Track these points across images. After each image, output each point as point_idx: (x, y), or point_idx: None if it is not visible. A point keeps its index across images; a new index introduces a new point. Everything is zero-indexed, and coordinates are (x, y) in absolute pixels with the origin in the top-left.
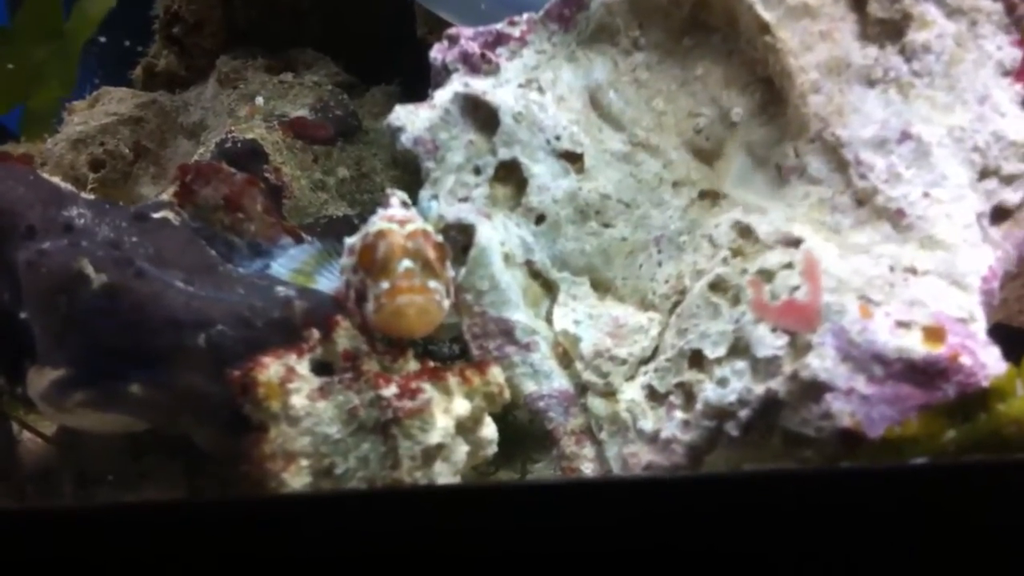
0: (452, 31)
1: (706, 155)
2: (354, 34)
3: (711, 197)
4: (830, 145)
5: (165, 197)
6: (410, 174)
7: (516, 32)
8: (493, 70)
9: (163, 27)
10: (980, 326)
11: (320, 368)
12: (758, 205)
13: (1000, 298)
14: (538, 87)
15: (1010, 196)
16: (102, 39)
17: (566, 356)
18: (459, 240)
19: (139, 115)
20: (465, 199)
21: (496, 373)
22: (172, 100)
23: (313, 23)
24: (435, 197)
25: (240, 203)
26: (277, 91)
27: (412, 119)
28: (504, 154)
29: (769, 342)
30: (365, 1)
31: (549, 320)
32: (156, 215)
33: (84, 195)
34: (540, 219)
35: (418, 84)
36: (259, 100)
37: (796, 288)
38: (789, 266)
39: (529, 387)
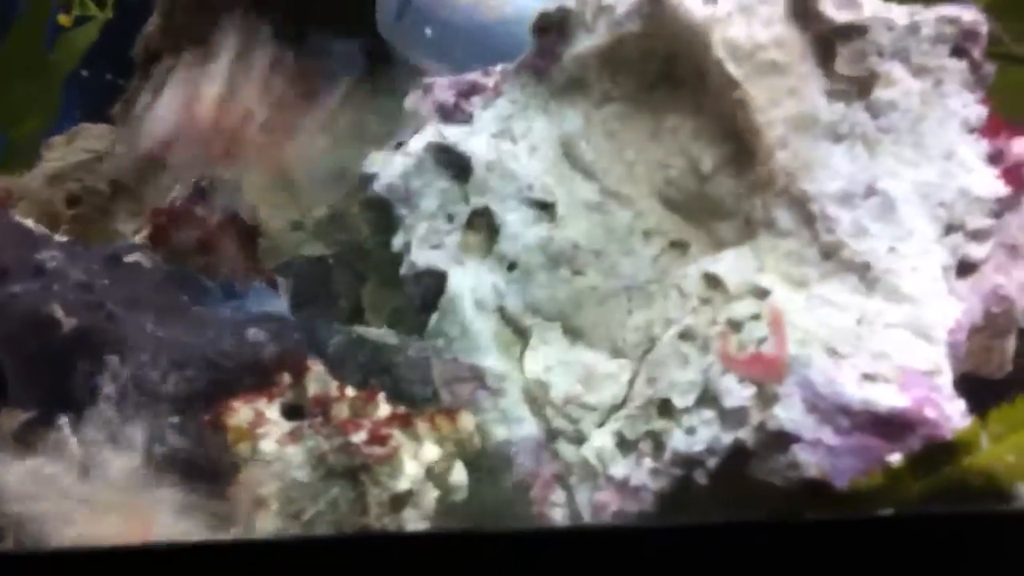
0: (427, 80)
1: (676, 205)
2: None
3: (681, 247)
4: (797, 199)
5: (138, 239)
6: (384, 219)
7: (490, 82)
8: (467, 119)
9: (141, 64)
10: (946, 378)
11: (290, 412)
12: (727, 256)
13: (967, 349)
14: (511, 137)
15: (975, 250)
16: (84, 72)
17: (537, 402)
18: (431, 286)
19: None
20: (437, 246)
21: (466, 419)
22: None
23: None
24: (408, 244)
25: (214, 246)
26: None
27: (385, 166)
28: (477, 202)
29: (737, 392)
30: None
31: (521, 364)
32: (129, 258)
33: (57, 237)
34: (512, 266)
35: None
36: None
37: (763, 340)
38: (757, 317)
39: (500, 432)
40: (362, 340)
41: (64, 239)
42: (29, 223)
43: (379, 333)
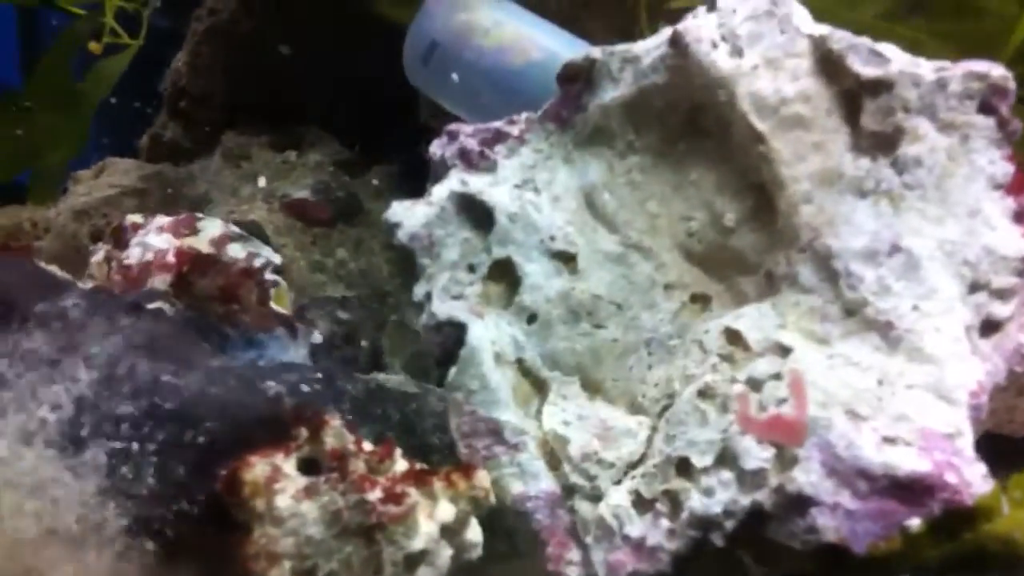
0: (452, 127)
1: (698, 258)
2: (358, 113)
3: (702, 301)
4: (821, 255)
5: (160, 286)
6: (407, 266)
7: (515, 131)
8: (491, 167)
9: (169, 100)
10: (967, 441)
11: (307, 466)
12: (749, 312)
13: (989, 409)
14: (534, 187)
15: (1000, 309)
16: (112, 100)
17: (554, 456)
18: (451, 338)
19: (143, 187)
20: (458, 296)
21: (482, 477)
22: (177, 172)
23: (318, 100)
24: (428, 294)
25: (235, 295)
26: (279, 171)
27: (409, 215)
28: (498, 253)
29: (756, 454)
30: (370, 82)
31: (539, 418)
32: (151, 305)
33: (80, 284)
34: (532, 318)
35: (419, 165)
36: (262, 181)
37: (783, 400)
38: (777, 376)
39: (516, 488)
40: (381, 389)
41: (88, 285)
42: (53, 269)
43: (398, 381)
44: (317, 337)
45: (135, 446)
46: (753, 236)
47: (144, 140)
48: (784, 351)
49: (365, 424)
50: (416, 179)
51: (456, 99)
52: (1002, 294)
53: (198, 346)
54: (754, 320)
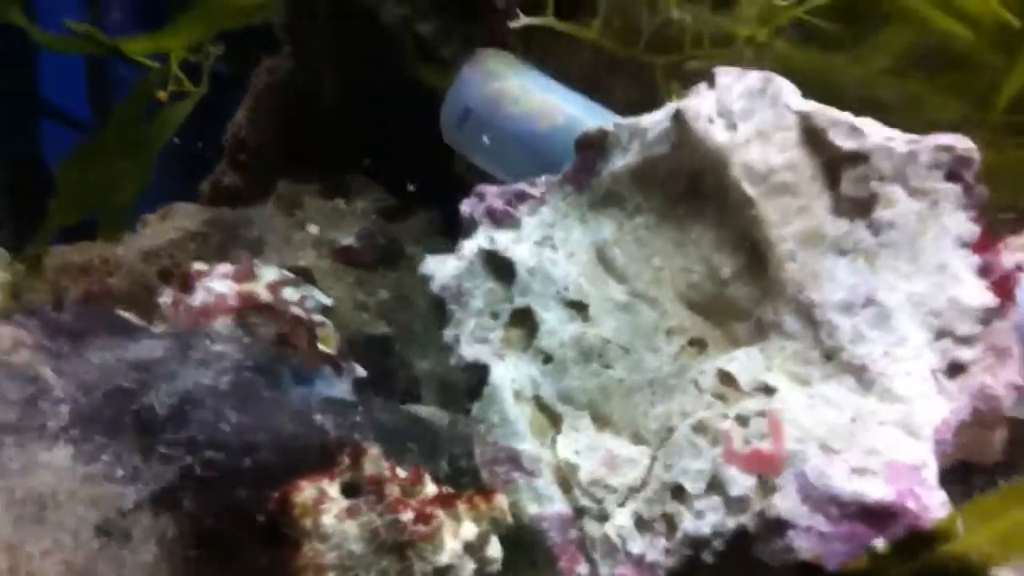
0: (480, 188)
1: (697, 307)
2: (402, 163)
3: (700, 344)
4: (804, 307)
5: (223, 327)
6: (439, 311)
7: (536, 192)
8: (514, 224)
9: (230, 151)
10: (931, 472)
11: (349, 490)
12: (740, 355)
13: (957, 443)
14: (551, 244)
15: (964, 353)
16: (176, 140)
17: (566, 482)
18: (476, 376)
19: (204, 231)
20: (483, 340)
21: (501, 500)
22: (235, 216)
23: (366, 151)
24: (457, 337)
25: (289, 339)
26: (329, 218)
27: (440, 268)
28: (519, 302)
29: (740, 482)
30: (413, 135)
31: (553, 448)
32: (216, 347)
33: (152, 328)
34: (548, 359)
35: (454, 211)
36: (312, 228)
37: (765, 436)
38: (762, 414)
39: (532, 509)
40: (415, 420)
41: (159, 328)
42: (129, 316)
43: (430, 412)
44: (360, 371)
45: (198, 470)
46: (746, 288)
47: (205, 185)
48: (769, 391)
49: (400, 452)
50: (451, 223)
51: (488, 159)
52: (967, 340)
53: (257, 383)
54: (744, 363)
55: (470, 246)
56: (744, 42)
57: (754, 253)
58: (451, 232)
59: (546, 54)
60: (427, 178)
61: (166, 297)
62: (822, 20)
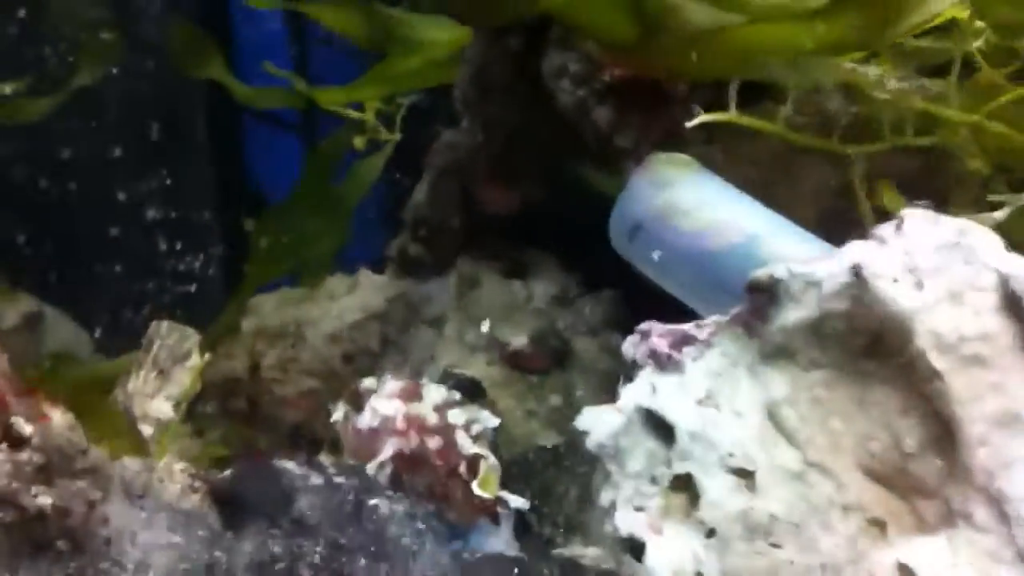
0: (644, 326)
1: (879, 480)
2: (580, 240)
3: (879, 526)
4: (995, 498)
5: (382, 480)
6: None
7: (703, 335)
8: (678, 368)
9: (412, 227)
10: None
11: None
12: (924, 545)
13: None
14: (715, 404)
15: None
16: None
17: None
18: (631, 550)
19: (387, 309)
20: (640, 508)
21: None
22: (418, 291)
23: (547, 225)
24: (614, 504)
25: (443, 493)
26: (503, 313)
27: (598, 424)
28: (679, 468)
29: None
30: (593, 211)
31: None
32: (372, 501)
33: (314, 476)
34: (711, 532)
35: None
36: (485, 327)
37: None
38: None
39: None
40: (575, 566)
41: (320, 478)
42: (291, 466)
43: (596, 556)
44: (521, 504)
45: None
46: (934, 464)
47: (393, 251)
48: None
49: None
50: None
51: (659, 276)
52: None
53: (410, 545)
54: (928, 556)
55: (629, 400)
56: (952, 128)
57: (942, 425)
58: (628, 322)
59: (731, 141)
60: (607, 256)
61: (339, 413)
62: None
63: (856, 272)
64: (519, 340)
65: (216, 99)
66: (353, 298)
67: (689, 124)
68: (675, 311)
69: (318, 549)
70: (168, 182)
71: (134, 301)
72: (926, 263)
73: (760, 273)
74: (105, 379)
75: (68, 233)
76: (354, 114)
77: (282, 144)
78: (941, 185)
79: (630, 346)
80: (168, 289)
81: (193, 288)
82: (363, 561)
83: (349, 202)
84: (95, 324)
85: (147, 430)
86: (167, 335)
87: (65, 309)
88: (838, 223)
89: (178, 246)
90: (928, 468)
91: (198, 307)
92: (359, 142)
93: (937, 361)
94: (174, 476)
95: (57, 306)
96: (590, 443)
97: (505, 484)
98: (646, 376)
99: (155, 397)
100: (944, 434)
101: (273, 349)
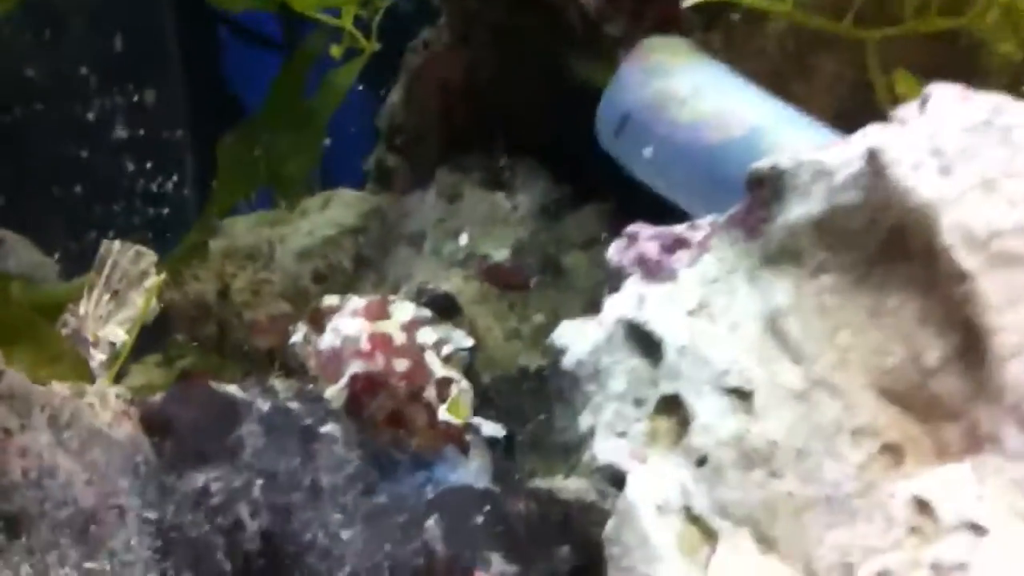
0: (631, 228)
1: (894, 399)
2: (572, 146)
3: (894, 452)
4: None
5: (335, 403)
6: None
7: (697, 236)
8: (669, 277)
9: (387, 135)
10: None
11: None
12: (944, 475)
13: None
14: (709, 314)
15: None
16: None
17: None
18: (611, 479)
19: (363, 225)
20: (623, 434)
21: None
22: (395, 208)
23: (532, 133)
24: (593, 430)
25: (405, 418)
26: (483, 226)
27: (576, 339)
28: (666, 388)
29: None
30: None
31: (705, 571)
32: (323, 429)
33: (259, 402)
34: (702, 460)
35: (632, 203)
36: (463, 239)
37: None
38: (963, 568)
39: None
40: (553, 504)
41: (267, 405)
42: (233, 390)
43: (577, 489)
44: (497, 432)
45: None
46: (958, 381)
47: (371, 162)
48: (979, 531)
49: (526, 558)
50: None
51: (649, 175)
52: None
53: (362, 483)
54: (949, 487)
55: (611, 313)
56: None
57: (970, 334)
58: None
59: (734, 29)
60: (602, 161)
61: (298, 335)
62: None
63: (872, 158)
64: (500, 253)
65: (187, 10)
66: (325, 214)
67: (685, 5)
68: (674, 223)
69: (258, 482)
70: (135, 99)
71: (101, 225)
72: (954, 146)
73: (762, 164)
74: (61, 303)
75: (28, 153)
76: (331, 20)
77: (269, 64)
78: (968, 78)
79: (615, 252)
80: (139, 211)
81: (166, 211)
82: (306, 496)
83: (323, 114)
84: (59, 249)
85: (100, 356)
86: (120, 255)
87: (27, 235)
88: (857, 122)
89: (148, 166)
90: (952, 386)
91: (172, 230)
92: (336, 51)
93: (965, 260)
94: (108, 403)
95: (19, 231)
96: (567, 361)
97: (480, 410)
98: (632, 285)
99: (108, 321)
100: (971, 346)
101: (243, 271)
